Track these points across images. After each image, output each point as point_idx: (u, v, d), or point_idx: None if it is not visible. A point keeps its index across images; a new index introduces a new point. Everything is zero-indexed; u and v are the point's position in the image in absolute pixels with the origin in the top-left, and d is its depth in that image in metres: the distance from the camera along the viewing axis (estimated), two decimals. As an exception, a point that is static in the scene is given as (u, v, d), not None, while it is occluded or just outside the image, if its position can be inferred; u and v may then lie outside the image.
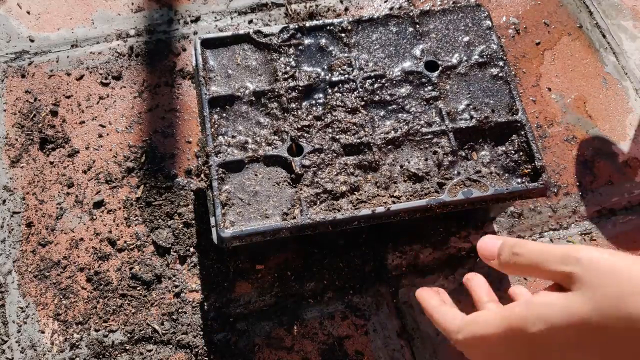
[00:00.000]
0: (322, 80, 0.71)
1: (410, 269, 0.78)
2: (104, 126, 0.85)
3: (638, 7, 1.00)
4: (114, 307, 0.74)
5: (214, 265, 0.77)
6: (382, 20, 0.75)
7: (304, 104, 0.70)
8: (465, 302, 0.76)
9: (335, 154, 0.68)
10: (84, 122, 0.85)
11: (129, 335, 0.73)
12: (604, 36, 0.97)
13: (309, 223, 0.63)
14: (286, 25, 0.74)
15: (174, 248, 0.78)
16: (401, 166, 0.67)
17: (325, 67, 0.72)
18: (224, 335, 0.73)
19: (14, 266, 0.76)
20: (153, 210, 0.80)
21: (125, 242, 0.78)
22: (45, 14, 0.94)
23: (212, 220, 0.64)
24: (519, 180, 0.68)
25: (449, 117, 0.70)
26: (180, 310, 0.74)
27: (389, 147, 0.68)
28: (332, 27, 0.74)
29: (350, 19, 0.75)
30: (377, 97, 0.71)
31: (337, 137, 0.68)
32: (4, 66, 0.89)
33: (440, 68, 0.73)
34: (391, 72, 0.72)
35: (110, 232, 0.78)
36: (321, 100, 0.70)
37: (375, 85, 0.72)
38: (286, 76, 0.71)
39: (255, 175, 0.66)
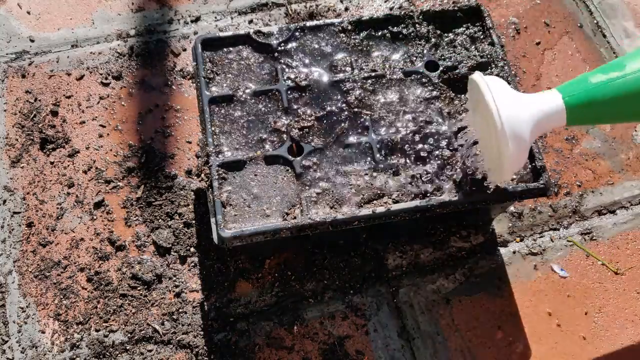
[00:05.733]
0: (323, 80, 0.71)
1: (411, 268, 0.78)
2: (104, 126, 0.85)
3: (638, 7, 1.00)
4: (115, 307, 0.74)
5: (214, 265, 0.77)
6: (382, 20, 0.75)
7: (304, 104, 0.70)
8: (467, 301, 0.76)
9: (335, 154, 0.68)
10: (84, 122, 0.85)
11: (129, 335, 0.73)
12: (604, 36, 0.97)
13: (309, 223, 0.63)
14: (286, 25, 0.74)
15: (174, 248, 0.78)
16: (402, 166, 0.67)
17: (326, 67, 0.72)
18: (224, 335, 0.73)
19: (14, 266, 0.76)
20: (153, 210, 0.80)
21: (125, 242, 0.78)
22: (46, 14, 0.94)
23: (213, 220, 0.64)
24: (519, 180, 0.67)
25: (449, 116, 0.70)
26: (180, 310, 0.74)
27: (390, 147, 0.69)
28: (332, 27, 0.74)
29: (351, 19, 0.75)
30: (378, 97, 0.71)
31: (338, 137, 0.68)
32: (5, 66, 0.89)
33: (440, 68, 0.73)
34: (391, 72, 0.72)
35: (110, 232, 0.78)
36: (321, 100, 0.70)
37: (376, 86, 0.72)
38: (286, 76, 0.71)
39: (256, 175, 0.66)
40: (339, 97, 0.71)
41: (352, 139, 0.68)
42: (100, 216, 0.79)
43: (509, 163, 0.57)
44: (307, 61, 0.73)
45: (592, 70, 0.58)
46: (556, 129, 0.75)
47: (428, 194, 0.66)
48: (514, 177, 0.68)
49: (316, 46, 0.73)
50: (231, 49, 0.73)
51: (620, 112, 0.59)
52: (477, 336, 0.74)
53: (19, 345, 0.72)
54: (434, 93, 0.71)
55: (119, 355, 0.72)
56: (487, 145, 0.62)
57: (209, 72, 0.71)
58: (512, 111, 0.56)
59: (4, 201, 0.80)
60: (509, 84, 0.72)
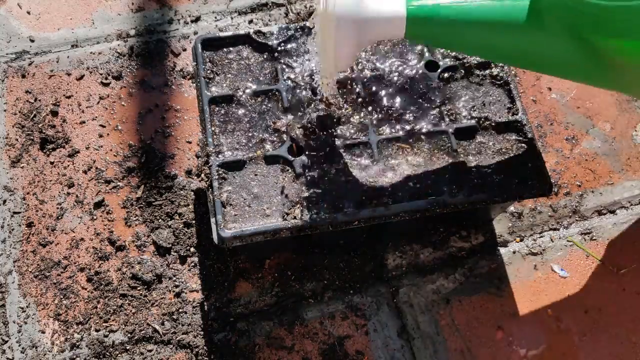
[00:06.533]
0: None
1: (411, 268, 0.78)
2: (104, 126, 0.85)
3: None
4: (115, 307, 0.74)
5: (214, 265, 0.77)
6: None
7: (304, 103, 0.70)
8: (467, 301, 0.76)
9: (335, 154, 0.68)
10: (84, 122, 0.85)
11: (129, 335, 0.73)
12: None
13: (309, 223, 0.63)
14: (286, 25, 0.74)
15: (174, 248, 0.78)
16: (402, 166, 0.68)
17: (326, 67, 0.72)
18: (224, 335, 0.73)
19: (14, 266, 0.76)
20: (153, 210, 0.80)
21: (125, 242, 0.78)
22: (46, 14, 0.94)
23: (213, 220, 0.64)
24: (519, 180, 0.68)
25: (449, 117, 0.70)
26: (180, 310, 0.74)
27: (390, 147, 0.69)
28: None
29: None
30: (378, 97, 0.71)
31: (338, 137, 0.68)
32: (5, 66, 0.89)
33: (440, 68, 0.73)
34: (391, 73, 0.72)
35: (110, 232, 0.78)
36: (322, 100, 0.70)
37: (376, 86, 0.72)
38: (286, 76, 0.71)
39: (256, 175, 0.66)
40: (340, 97, 0.71)
41: (353, 138, 0.68)
42: (100, 216, 0.79)
43: (332, 52, 0.57)
44: (307, 61, 0.73)
45: None
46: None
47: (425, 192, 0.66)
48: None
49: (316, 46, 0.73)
50: (231, 49, 0.73)
51: (458, 37, 0.57)
52: (477, 336, 0.74)
53: (19, 345, 0.72)
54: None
55: (119, 355, 0.72)
56: (320, 39, 0.61)
57: (209, 72, 0.71)
58: (349, 2, 0.56)
59: (4, 201, 0.80)
60: (509, 84, 0.72)
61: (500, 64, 0.73)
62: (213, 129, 0.68)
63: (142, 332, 0.73)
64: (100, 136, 0.84)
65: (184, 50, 0.91)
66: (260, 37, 0.73)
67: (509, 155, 0.69)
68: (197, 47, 0.72)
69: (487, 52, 0.61)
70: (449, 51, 0.74)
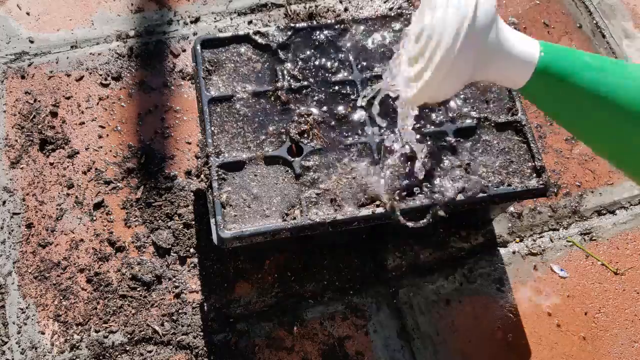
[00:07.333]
0: (322, 80, 0.71)
1: (411, 269, 0.78)
2: (103, 127, 0.85)
3: (637, 8, 1.00)
4: (114, 308, 0.74)
5: (214, 266, 0.77)
6: (382, 21, 0.75)
7: (304, 104, 0.70)
8: (467, 301, 0.76)
9: (335, 155, 0.68)
10: (83, 123, 0.85)
11: (129, 336, 0.73)
12: (603, 36, 0.97)
13: (309, 224, 0.63)
14: (286, 25, 0.74)
15: (174, 249, 0.78)
16: (402, 167, 0.67)
17: (325, 68, 0.72)
18: (224, 336, 0.73)
19: (14, 267, 0.76)
20: (153, 211, 0.80)
21: (125, 242, 0.78)
22: (45, 15, 0.94)
23: (212, 220, 0.64)
24: (519, 180, 0.68)
25: (449, 117, 0.70)
26: (180, 311, 0.74)
27: (390, 147, 0.69)
28: (332, 28, 0.74)
29: (350, 19, 0.75)
30: (377, 97, 0.71)
31: (337, 137, 0.68)
32: (4, 67, 0.89)
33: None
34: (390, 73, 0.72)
35: (110, 233, 0.78)
36: (321, 101, 0.71)
37: (375, 86, 0.72)
38: (286, 77, 0.71)
39: (255, 175, 0.66)
40: (339, 97, 0.71)
41: (352, 139, 0.68)
42: (100, 217, 0.79)
43: (441, 74, 0.46)
44: (306, 61, 0.73)
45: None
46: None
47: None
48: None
49: (315, 46, 0.73)
50: (231, 49, 0.73)
51: (585, 111, 0.46)
52: (477, 336, 0.74)
53: (19, 347, 0.72)
54: None
55: (119, 356, 0.72)
56: (423, 47, 0.49)
57: (208, 72, 0.71)
58: (484, 20, 0.45)
59: (4, 202, 0.80)
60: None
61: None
62: (213, 129, 0.68)
63: (142, 333, 0.73)
64: (100, 137, 0.84)
65: (184, 51, 0.91)
66: (260, 38, 0.73)
67: (509, 156, 0.69)
68: (197, 48, 0.72)
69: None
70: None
